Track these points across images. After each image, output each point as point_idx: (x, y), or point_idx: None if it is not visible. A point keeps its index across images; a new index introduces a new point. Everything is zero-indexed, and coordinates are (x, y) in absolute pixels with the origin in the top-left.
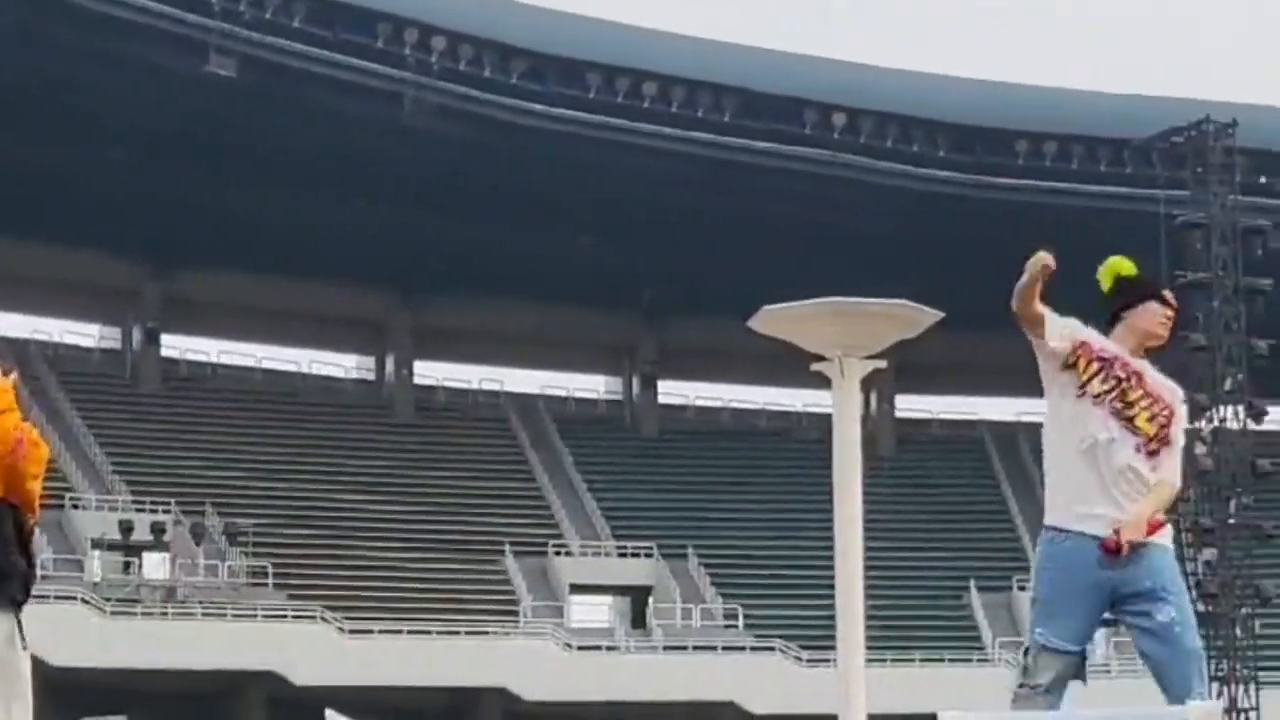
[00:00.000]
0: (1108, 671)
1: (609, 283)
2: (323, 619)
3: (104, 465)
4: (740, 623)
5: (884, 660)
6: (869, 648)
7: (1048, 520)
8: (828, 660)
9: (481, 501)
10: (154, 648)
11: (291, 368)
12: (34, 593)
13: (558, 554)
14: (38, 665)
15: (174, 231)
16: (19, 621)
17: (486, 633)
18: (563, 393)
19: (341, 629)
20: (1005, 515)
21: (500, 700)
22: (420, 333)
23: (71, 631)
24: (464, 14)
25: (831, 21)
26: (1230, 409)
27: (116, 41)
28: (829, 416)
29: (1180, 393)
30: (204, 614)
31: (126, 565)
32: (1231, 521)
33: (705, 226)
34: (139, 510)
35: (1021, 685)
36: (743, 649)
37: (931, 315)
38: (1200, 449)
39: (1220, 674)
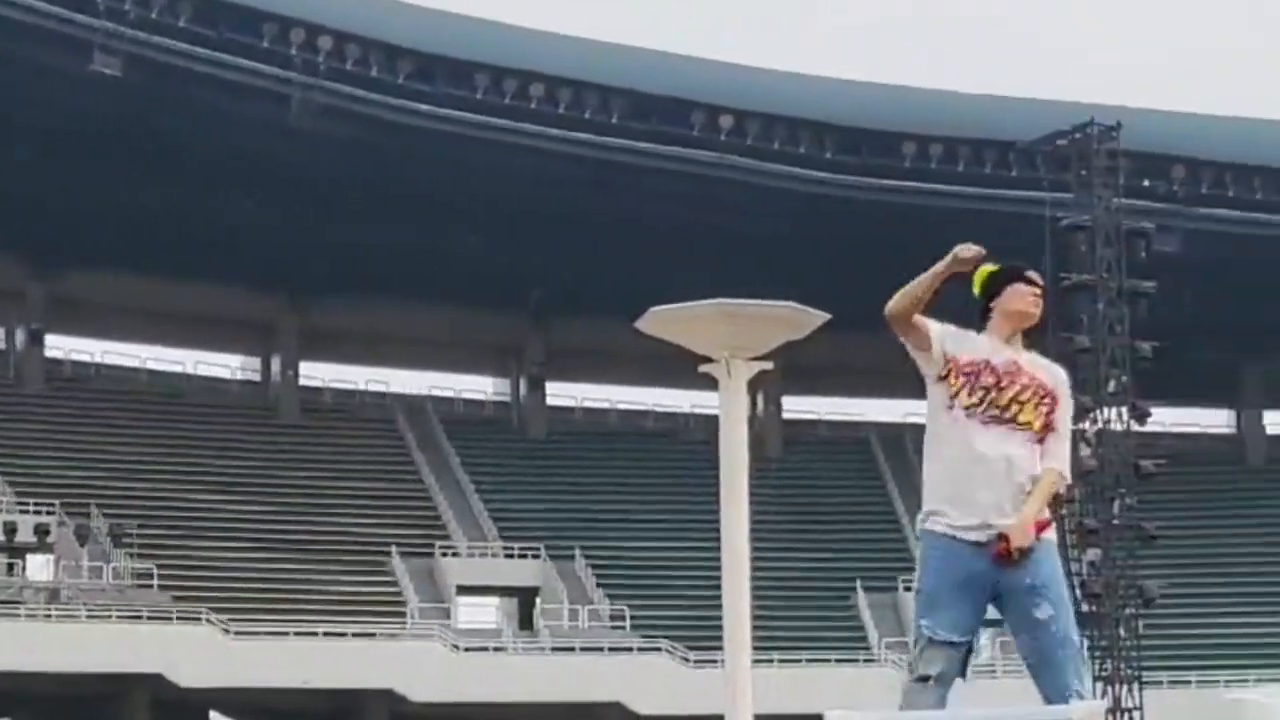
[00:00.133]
0: (993, 672)
1: (496, 284)
2: (208, 621)
3: None
4: (627, 623)
5: (770, 660)
6: (755, 648)
7: (929, 513)
8: (714, 661)
9: (368, 503)
10: (37, 650)
11: (177, 368)
12: None
13: (444, 555)
14: None
15: (58, 231)
16: None
17: (373, 634)
18: (450, 394)
19: (226, 631)
20: (891, 516)
21: (387, 701)
22: (306, 333)
23: None
24: (350, 14)
25: (718, 24)
26: (1114, 410)
27: (0, 40)
28: (716, 418)
29: (1062, 375)
30: (88, 616)
31: (10, 567)
32: (1115, 522)
33: (592, 228)
34: (23, 512)
35: (910, 676)
36: (629, 650)
37: (818, 317)
38: (1084, 450)
39: (1104, 674)
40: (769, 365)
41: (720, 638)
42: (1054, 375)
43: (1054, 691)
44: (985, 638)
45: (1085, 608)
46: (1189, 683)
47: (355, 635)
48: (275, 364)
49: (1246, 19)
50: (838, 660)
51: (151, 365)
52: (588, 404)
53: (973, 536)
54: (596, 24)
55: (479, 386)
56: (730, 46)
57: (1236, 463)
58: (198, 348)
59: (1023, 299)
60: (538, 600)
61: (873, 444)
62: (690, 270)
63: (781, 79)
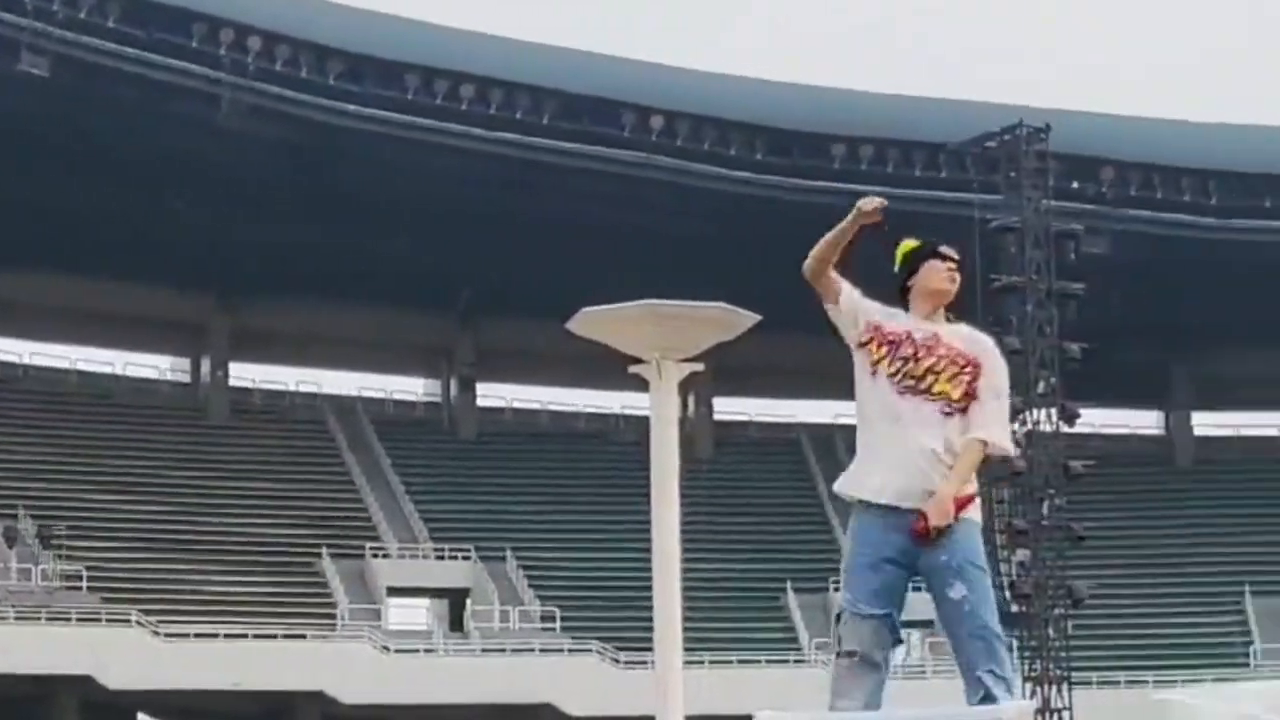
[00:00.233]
0: (923, 673)
1: (427, 284)
2: (137, 623)
3: None
4: (558, 625)
5: (701, 661)
6: (686, 649)
7: (855, 479)
8: (645, 662)
9: (298, 504)
10: None
11: (106, 369)
12: None
13: (375, 556)
14: None
15: None
16: None
17: (303, 636)
18: (380, 395)
19: (156, 632)
20: (822, 517)
21: (317, 703)
22: (236, 334)
23: None
24: (280, 14)
25: (648, 25)
26: (1043, 411)
27: None
28: (647, 419)
29: (987, 343)
30: (17, 617)
31: None
32: (1044, 523)
33: (523, 228)
34: None
35: (837, 655)
36: (560, 651)
37: (749, 318)
38: (1014, 451)
39: (1033, 674)
40: (700, 366)
41: (651, 638)
42: (976, 344)
43: (966, 673)
44: (915, 637)
45: (1015, 608)
46: (1118, 683)
47: (285, 637)
48: (205, 365)
49: (1172, 25)
50: (768, 661)
51: (81, 366)
52: (518, 405)
53: (891, 501)
54: (527, 25)
55: (409, 387)
56: (661, 48)
57: (1165, 463)
58: (127, 348)
59: (938, 275)
60: (468, 601)
61: (803, 445)
62: (621, 271)
63: (712, 80)
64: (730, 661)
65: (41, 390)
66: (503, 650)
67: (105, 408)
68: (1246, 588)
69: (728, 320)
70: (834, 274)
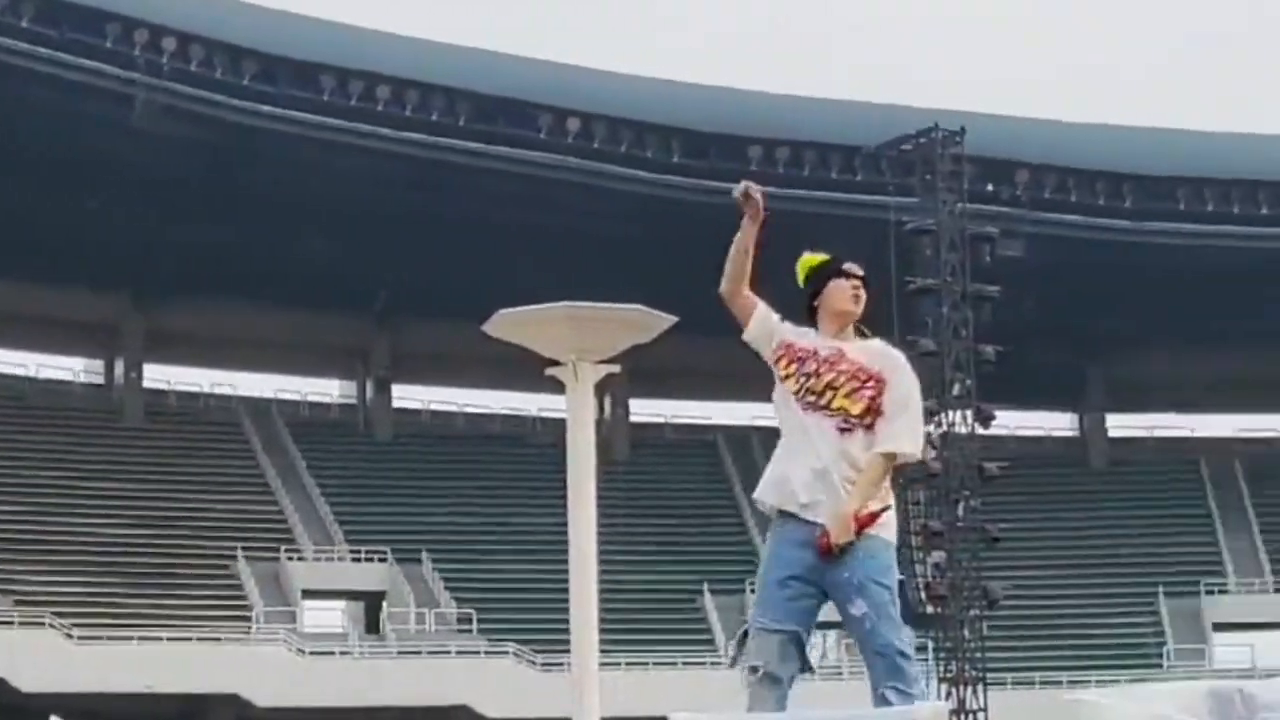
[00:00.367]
0: (839, 674)
1: (342, 286)
2: (50, 626)
3: None
4: (474, 627)
5: (618, 663)
6: (603, 650)
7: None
8: (562, 664)
9: (213, 506)
10: None
11: (19, 371)
12: None
13: (290, 559)
14: None
15: None
16: None
17: (218, 639)
18: (295, 396)
19: (70, 636)
20: (738, 518)
21: (232, 706)
22: (151, 336)
23: None
24: (194, 15)
25: (564, 27)
26: (958, 413)
27: None
28: (563, 421)
29: (893, 356)
30: None
31: None
32: (960, 524)
33: (439, 230)
34: None
35: (742, 670)
36: (476, 653)
37: (665, 320)
38: (929, 453)
39: (949, 675)
40: (616, 368)
41: (567, 640)
42: (881, 357)
43: (872, 689)
44: (831, 639)
45: (930, 610)
46: (1033, 684)
47: (200, 640)
48: (119, 366)
49: (1087, 29)
50: (684, 663)
51: None
52: (434, 407)
53: (793, 523)
54: (442, 26)
55: (325, 389)
56: (576, 50)
57: (1079, 465)
58: (40, 350)
59: (844, 295)
60: (384, 604)
61: (720, 446)
62: (537, 273)
63: (628, 82)
64: (647, 663)
65: None
66: (419, 653)
67: (18, 410)
68: (1160, 588)
69: (644, 322)
70: (749, 294)
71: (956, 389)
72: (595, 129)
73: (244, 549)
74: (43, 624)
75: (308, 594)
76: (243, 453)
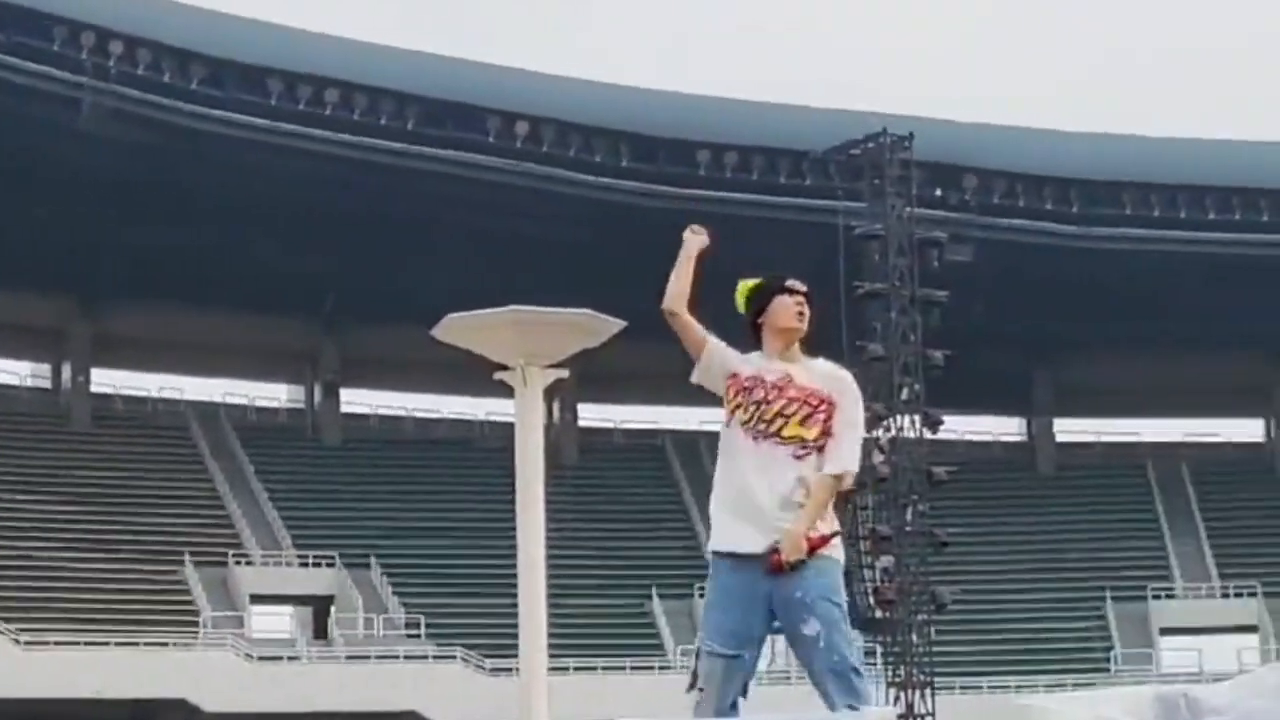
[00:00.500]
0: (787, 678)
1: (290, 290)
2: None
3: None
4: (423, 632)
5: (566, 668)
6: (551, 655)
7: (713, 532)
8: (510, 669)
9: (161, 511)
10: None
11: None
12: None
13: (238, 564)
14: None
15: None
16: None
17: (166, 644)
18: (243, 401)
19: (17, 640)
20: (687, 523)
21: (180, 712)
22: (98, 340)
23: None
24: (142, 18)
25: (514, 30)
26: (907, 418)
27: None
28: (512, 425)
29: (841, 377)
30: None
31: None
32: (908, 529)
33: (388, 234)
34: None
35: (690, 691)
36: (425, 658)
37: (613, 324)
38: (878, 457)
39: (897, 680)
40: (564, 373)
41: (516, 645)
42: (831, 380)
43: (828, 706)
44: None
45: (878, 614)
46: (981, 688)
47: (148, 645)
48: (66, 371)
49: (1032, 36)
50: (633, 668)
51: None
52: (383, 411)
53: (745, 550)
54: (391, 30)
55: (273, 394)
56: (526, 54)
57: (1027, 469)
58: None
59: (788, 312)
60: (332, 609)
61: (668, 451)
62: (486, 277)
63: (577, 86)
64: (595, 668)
65: None
66: (367, 658)
67: None
68: (1107, 593)
69: (592, 326)
70: (699, 329)
71: (905, 394)
72: (544, 133)
73: (192, 554)
74: None
75: (256, 599)
76: (190, 457)
